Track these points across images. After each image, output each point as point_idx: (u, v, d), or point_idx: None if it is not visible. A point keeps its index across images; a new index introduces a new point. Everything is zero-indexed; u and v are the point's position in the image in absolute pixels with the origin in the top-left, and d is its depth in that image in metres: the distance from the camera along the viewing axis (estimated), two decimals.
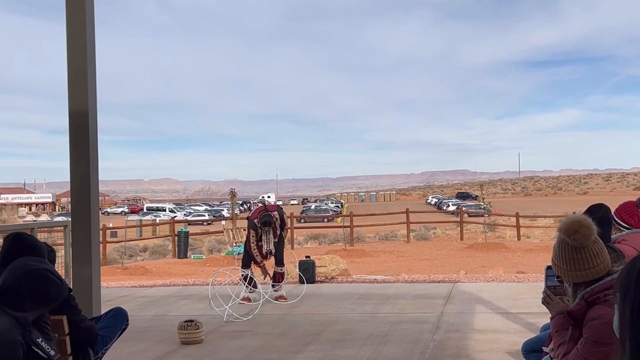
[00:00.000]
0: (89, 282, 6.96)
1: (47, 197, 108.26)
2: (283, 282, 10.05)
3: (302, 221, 46.10)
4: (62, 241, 10.35)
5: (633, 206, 4.70)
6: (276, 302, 9.60)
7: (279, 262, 9.98)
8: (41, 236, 10.47)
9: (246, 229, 10.30)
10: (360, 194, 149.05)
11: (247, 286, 9.65)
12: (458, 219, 31.99)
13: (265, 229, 9.80)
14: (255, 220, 9.89)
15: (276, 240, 9.95)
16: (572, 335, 3.22)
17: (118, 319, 4.96)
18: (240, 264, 10.10)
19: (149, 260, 25.22)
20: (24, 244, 4.03)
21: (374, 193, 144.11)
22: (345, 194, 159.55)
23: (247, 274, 9.69)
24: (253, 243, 9.89)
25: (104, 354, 4.70)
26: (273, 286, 9.90)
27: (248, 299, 9.53)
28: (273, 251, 9.90)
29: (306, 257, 12.12)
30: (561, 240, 3.23)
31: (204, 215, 70.83)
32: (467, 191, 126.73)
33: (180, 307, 9.60)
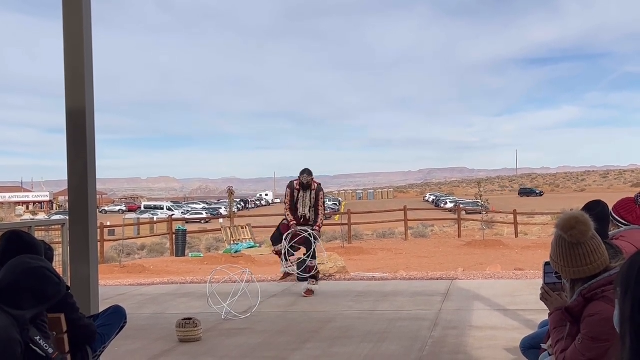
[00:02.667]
0: (86, 280, 6.95)
1: (44, 196, 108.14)
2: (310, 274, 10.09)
3: None
4: (60, 240, 10.34)
5: (631, 203, 4.70)
6: (303, 296, 9.71)
7: (311, 254, 10.07)
8: (39, 235, 10.44)
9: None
10: (358, 191, 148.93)
11: (284, 261, 9.95)
12: (456, 216, 32.01)
13: (305, 178, 10.04)
14: (295, 182, 10.19)
15: (312, 209, 10.04)
16: (570, 332, 3.22)
17: (116, 317, 4.96)
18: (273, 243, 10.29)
19: (147, 258, 25.23)
20: (21, 242, 4.02)
21: (372, 191, 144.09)
22: (343, 191, 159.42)
23: (281, 249, 9.97)
24: (287, 204, 10.15)
25: (102, 352, 4.71)
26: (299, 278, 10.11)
27: (287, 274, 9.74)
28: (308, 216, 10.05)
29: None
30: (558, 236, 3.23)
31: (202, 214, 70.83)
32: (530, 187, 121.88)
33: (179, 305, 9.59)
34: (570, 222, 3.18)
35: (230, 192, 30.11)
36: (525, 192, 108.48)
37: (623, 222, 4.64)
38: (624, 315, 1.81)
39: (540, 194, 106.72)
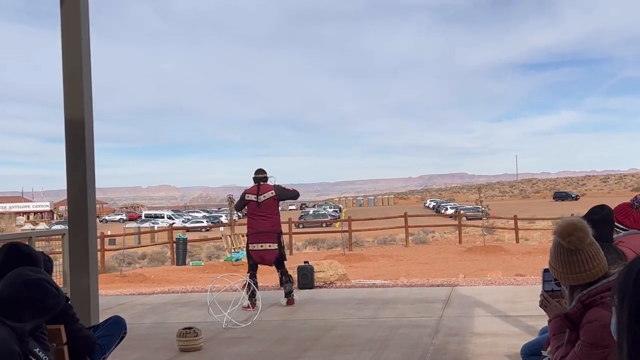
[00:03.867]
0: (86, 290, 6.95)
1: (45, 206, 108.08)
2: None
3: (300, 226, 46.04)
4: (60, 249, 10.34)
5: (628, 207, 4.71)
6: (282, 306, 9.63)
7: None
8: (39, 245, 10.45)
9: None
10: (358, 198, 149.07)
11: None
12: (456, 222, 31.98)
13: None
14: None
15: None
16: (569, 338, 3.22)
17: (116, 328, 4.96)
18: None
19: (148, 267, 25.18)
20: (20, 254, 4.01)
21: (372, 197, 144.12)
22: (344, 198, 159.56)
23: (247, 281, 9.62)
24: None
25: None
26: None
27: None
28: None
29: (304, 262, 12.10)
30: (557, 243, 3.23)
31: (202, 222, 70.79)
32: (565, 191, 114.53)
33: (179, 314, 9.58)
34: (568, 228, 3.18)
35: (231, 200, 30.07)
36: (560, 197, 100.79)
37: (621, 227, 4.64)
38: (621, 322, 1.81)
39: (576, 198, 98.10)
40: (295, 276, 11.65)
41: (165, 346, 7.33)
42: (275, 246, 9.76)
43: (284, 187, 10.06)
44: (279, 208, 10.12)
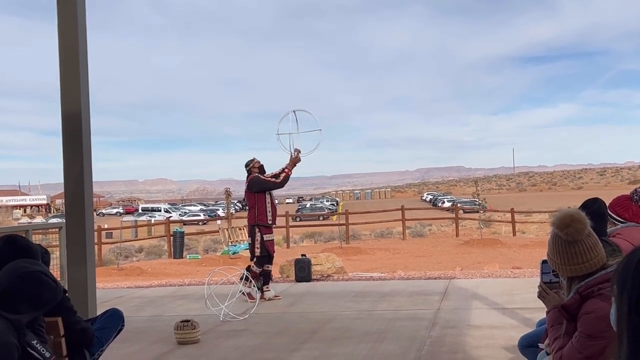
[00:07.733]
0: (84, 283, 6.95)
1: (41, 199, 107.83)
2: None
3: (297, 220, 46.02)
4: (58, 243, 10.33)
5: (627, 200, 4.69)
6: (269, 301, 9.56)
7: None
8: (36, 238, 10.44)
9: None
10: (355, 191, 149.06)
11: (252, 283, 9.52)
12: (453, 215, 32.00)
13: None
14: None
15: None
16: (567, 329, 3.22)
17: (114, 320, 4.95)
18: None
19: (145, 260, 25.18)
20: (17, 247, 4.00)
21: (369, 191, 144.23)
22: (341, 192, 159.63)
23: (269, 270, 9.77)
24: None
25: (100, 355, 4.70)
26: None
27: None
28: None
29: (302, 255, 12.11)
30: (555, 234, 3.23)
31: (199, 215, 70.78)
32: None
33: (177, 307, 9.58)
34: (565, 220, 3.17)
35: (228, 194, 30.06)
36: None
37: (619, 219, 4.63)
38: (620, 313, 1.80)
39: None
40: (292, 269, 11.67)
41: (162, 339, 7.33)
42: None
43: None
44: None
